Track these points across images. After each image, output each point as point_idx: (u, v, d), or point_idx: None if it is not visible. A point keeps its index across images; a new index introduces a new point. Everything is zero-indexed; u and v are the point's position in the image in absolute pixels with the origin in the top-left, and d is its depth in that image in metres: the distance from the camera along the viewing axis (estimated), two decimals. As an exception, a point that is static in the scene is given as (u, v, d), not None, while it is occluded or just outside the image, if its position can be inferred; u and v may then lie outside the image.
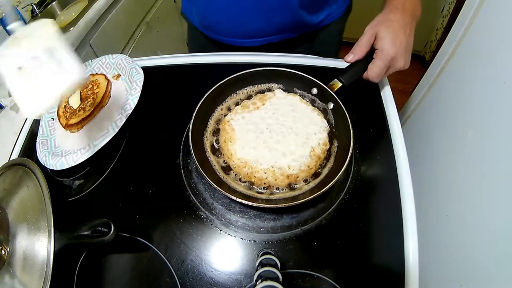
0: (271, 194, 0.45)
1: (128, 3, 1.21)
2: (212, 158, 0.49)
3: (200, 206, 0.47)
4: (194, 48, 0.81)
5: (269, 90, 0.55)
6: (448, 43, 0.79)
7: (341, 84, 0.50)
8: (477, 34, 0.69)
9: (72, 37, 0.93)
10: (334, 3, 0.67)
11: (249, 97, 0.55)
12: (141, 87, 0.55)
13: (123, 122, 0.52)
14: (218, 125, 0.52)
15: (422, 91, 0.93)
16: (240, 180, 0.46)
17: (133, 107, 0.53)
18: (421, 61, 1.79)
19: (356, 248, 0.41)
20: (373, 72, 0.48)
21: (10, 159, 0.59)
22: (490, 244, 0.60)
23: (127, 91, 0.58)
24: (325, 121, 0.50)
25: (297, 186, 0.46)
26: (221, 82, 0.52)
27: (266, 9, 0.60)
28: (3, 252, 0.39)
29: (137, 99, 0.54)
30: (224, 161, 0.48)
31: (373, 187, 0.46)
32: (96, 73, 0.63)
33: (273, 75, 0.55)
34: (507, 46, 0.58)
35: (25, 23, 1.09)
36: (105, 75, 0.62)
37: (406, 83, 1.64)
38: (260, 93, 0.55)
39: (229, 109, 0.54)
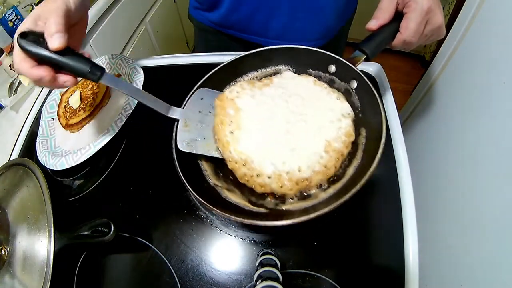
0: (277, 205, 0.37)
1: (128, 3, 1.21)
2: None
3: (200, 206, 0.47)
4: (204, 51, 0.78)
5: (276, 73, 0.46)
6: (448, 43, 0.79)
7: (364, 56, 0.41)
8: (477, 34, 0.69)
9: (72, 37, 0.93)
10: (353, 7, 0.68)
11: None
12: (141, 87, 0.55)
13: (123, 122, 0.52)
14: None
15: (422, 91, 0.93)
16: (232, 181, 0.39)
17: (133, 107, 0.53)
18: (421, 61, 1.79)
19: (356, 248, 0.41)
20: (409, 30, 0.39)
21: (10, 159, 0.59)
22: (490, 244, 0.60)
23: (127, 91, 0.58)
24: (347, 105, 0.41)
25: (312, 193, 0.36)
26: (219, 67, 0.45)
27: (294, 14, 0.59)
28: (3, 252, 0.39)
29: (137, 99, 0.54)
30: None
31: (373, 187, 0.46)
32: (96, 73, 0.63)
33: (280, 55, 0.47)
34: (507, 46, 0.58)
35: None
36: (105, 75, 0.62)
37: (406, 83, 1.64)
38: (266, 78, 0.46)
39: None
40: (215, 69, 0.46)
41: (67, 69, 0.34)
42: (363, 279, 0.39)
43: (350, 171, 0.37)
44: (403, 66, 1.82)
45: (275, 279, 0.34)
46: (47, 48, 0.33)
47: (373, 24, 0.41)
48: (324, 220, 0.43)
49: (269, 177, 0.36)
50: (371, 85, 0.39)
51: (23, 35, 0.33)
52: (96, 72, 0.35)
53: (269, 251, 0.41)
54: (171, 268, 0.42)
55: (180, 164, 0.39)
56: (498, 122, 0.60)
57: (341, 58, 0.42)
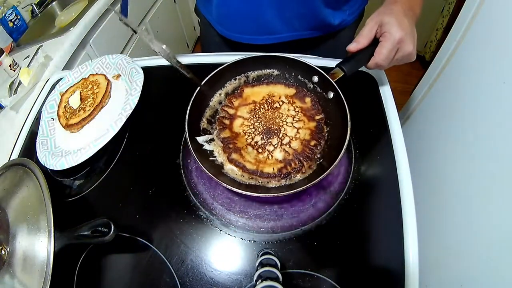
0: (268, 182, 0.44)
1: (128, 3, 1.21)
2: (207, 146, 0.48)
3: (200, 206, 0.47)
4: (206, 45, 0.81)
5: (269, 76, 0.55)
6: (448, 43, 0.79)
7: (342, 73, 0.48)
8: (477, 34, 0.69)
9: (72, 37, 0.93)
10: (351, 5, 0.67)
11: (247, 81, 0.55)
12: (141, 87, 0.55)
13: (123, 122, 0.52)
14: (215, 113, 0.52)
15: (422, 91, 0.93)
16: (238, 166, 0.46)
17: (133, 107, 0.53)
18: (421, 61, 1.79)
19: (356, 248, 0.41)
20: (381, 55, 0.46)
21: (10, 159, 0.59)
22: (490, 244, 0.60)
23: (127, 91, 0.59)
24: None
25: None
26: (221, 67, 0.52)
27: (282, 2, 0.59)
28: (3, 252, 0.39)
29: (137, 99, 0.54)
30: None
31: (373, 187, 0.46)
32: (96, 73, 0.63)
33: (273, 61, 0.54)
34: (507, 46, 0.58)
35: (25, 23, 1.09)
36: (105, 75, 0.62)
37: (406, 83, 1.64)
38: (257, 81, 0.55)
39: (227, 95, 0.54)
40: (218, 68, 0.52)
41: None
42: (363, 279, 0.39)
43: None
44: (403, 66, 1.81)
45: (275, 279, 0.34)
46: None
47: (353, 47, 0.48)
48: (324, 220, 0.44)
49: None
50: (343, 98, 0.45)
51: None
52: None
53: (269, 251, 0.41)
54: (171, 268, 0.42)
55: (191, 143, 0.45)
56: (498, 122, 0.60)
57: (322, 72, 0.50)
